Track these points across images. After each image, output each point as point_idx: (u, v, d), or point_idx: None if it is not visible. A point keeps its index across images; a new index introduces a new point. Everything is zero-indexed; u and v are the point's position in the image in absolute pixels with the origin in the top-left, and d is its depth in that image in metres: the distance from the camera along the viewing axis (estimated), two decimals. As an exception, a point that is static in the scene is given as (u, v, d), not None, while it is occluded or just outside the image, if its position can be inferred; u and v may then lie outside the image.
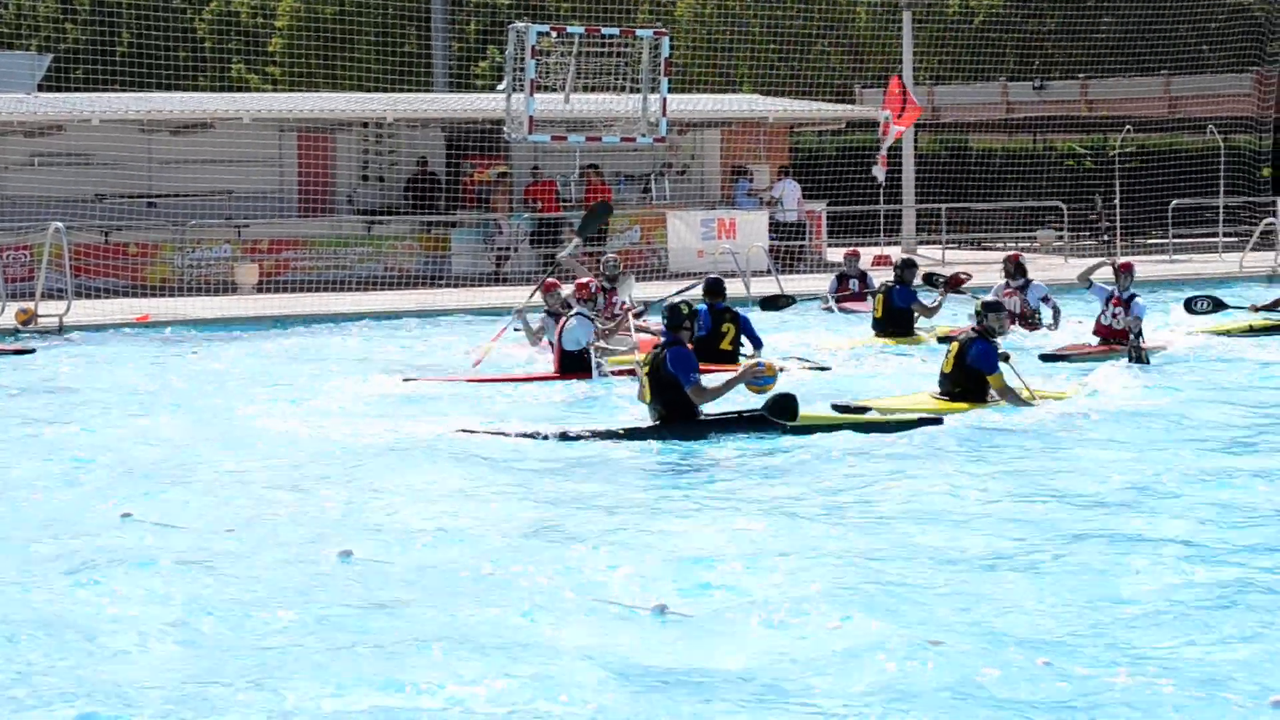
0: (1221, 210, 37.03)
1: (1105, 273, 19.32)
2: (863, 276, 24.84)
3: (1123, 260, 19.95)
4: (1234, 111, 40.49)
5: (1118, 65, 43.37)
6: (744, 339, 18.47)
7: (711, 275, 19.10)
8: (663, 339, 13.86)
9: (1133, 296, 18.68)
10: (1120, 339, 18.18)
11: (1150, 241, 37.61)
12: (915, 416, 13.86)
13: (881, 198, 34.86)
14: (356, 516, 10.60)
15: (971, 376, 14.28)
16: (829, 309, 24.37)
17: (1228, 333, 20.57)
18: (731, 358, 18.05)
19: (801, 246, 32.96)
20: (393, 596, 8.68)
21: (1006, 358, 14.41)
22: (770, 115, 35.19)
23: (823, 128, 41.01)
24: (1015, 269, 21.10)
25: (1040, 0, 46.35)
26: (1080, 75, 44.02)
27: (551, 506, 10.90)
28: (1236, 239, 36.40)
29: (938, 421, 13.74)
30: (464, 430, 13.52)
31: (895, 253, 32.15)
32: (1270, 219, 34.62)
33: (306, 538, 9.97)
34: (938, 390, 14.67)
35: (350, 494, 11.30)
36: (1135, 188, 37.06)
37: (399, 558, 9.55)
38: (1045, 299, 20.87)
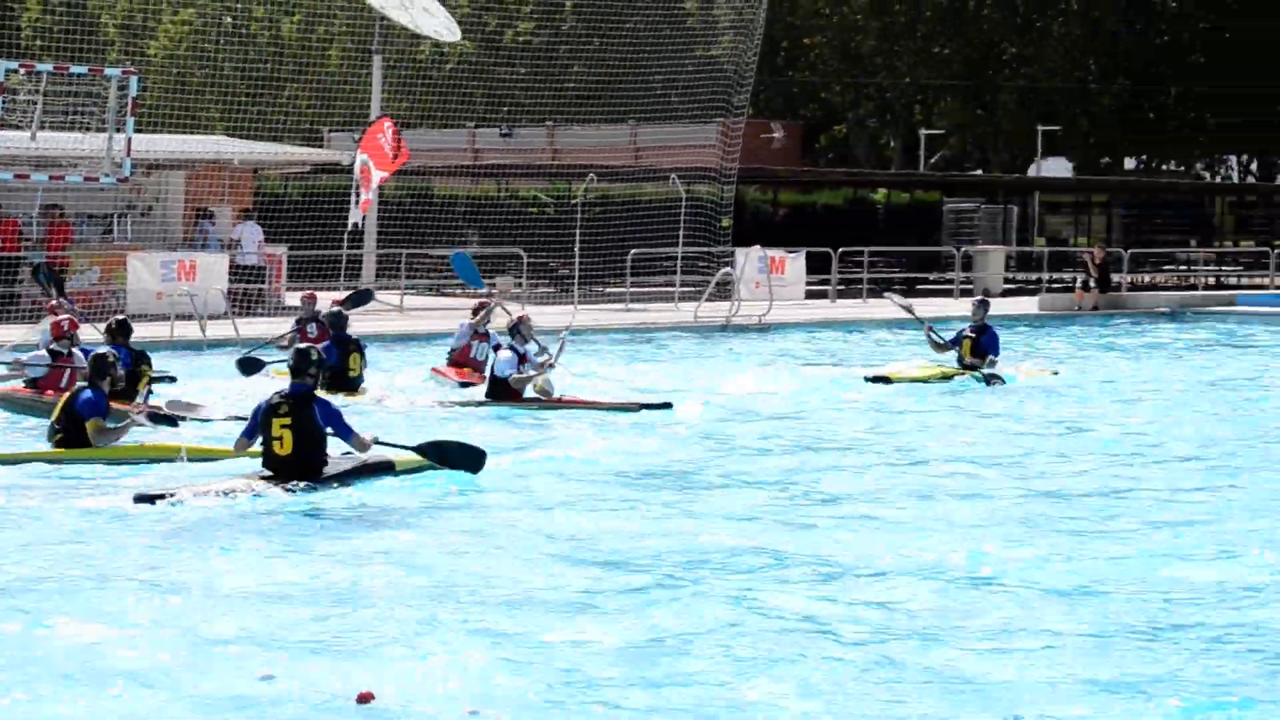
0: (680, 260, 40.84)
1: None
2: (317, 319, 25.69)
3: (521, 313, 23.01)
4: (698, 162, 44.43)
5: (586, 114, 47.75)
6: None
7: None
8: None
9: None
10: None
11: (609, 290, 41.51)
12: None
13: (345, 242, 37.42)
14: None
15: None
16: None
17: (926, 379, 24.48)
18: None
19: (261, 290, 35.67)
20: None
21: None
22: (235, 157, 38.58)
23: (288, 170, 43.80)
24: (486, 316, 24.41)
25: (511, 47, 50.60)
26: (548, 123, 48.63)
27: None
28: (694, 289, 40.15)
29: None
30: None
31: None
32: (727, 269, 38.60)
33: None
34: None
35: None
36: (597, 236, 40.76)
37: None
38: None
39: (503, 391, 21.13)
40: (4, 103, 29.57)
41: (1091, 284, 42.18)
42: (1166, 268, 61.54)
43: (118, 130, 30.61)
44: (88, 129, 30.83)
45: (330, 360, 21.76)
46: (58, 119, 30.74)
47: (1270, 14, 68.57)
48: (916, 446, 18.42)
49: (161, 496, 13.87)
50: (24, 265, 32.38)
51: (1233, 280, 59.42)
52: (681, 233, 41.01)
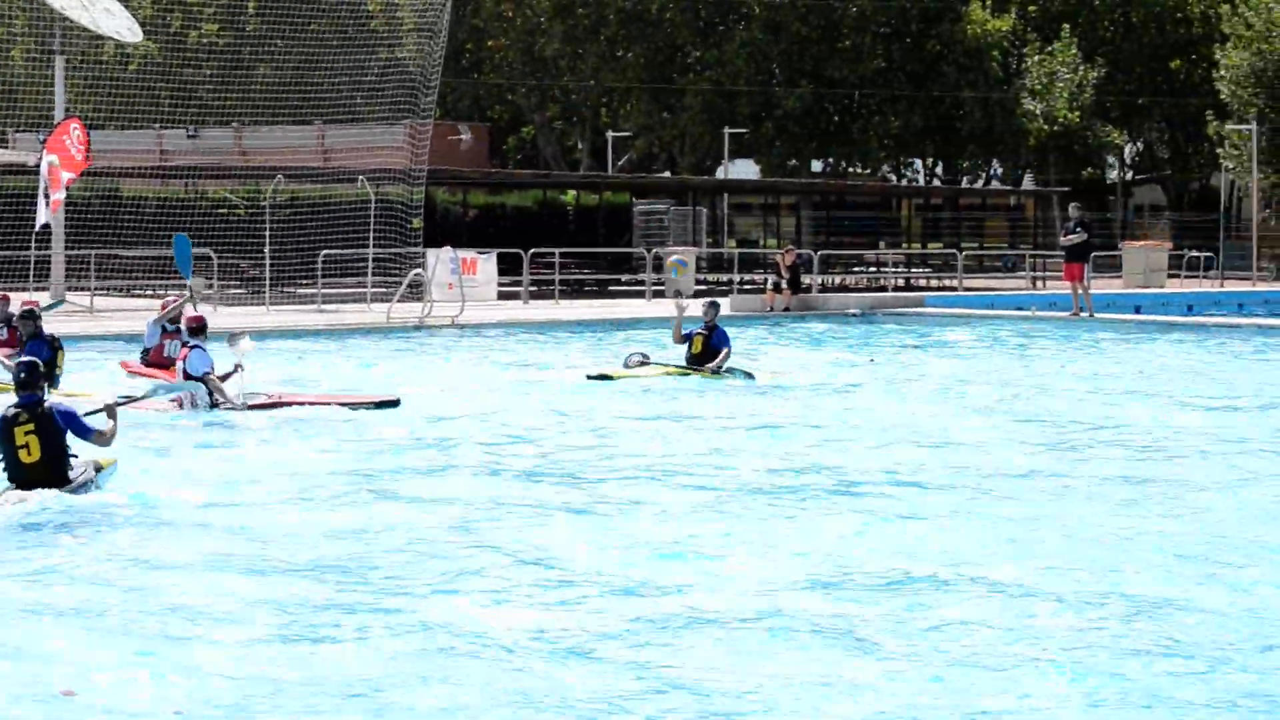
0: (371, 261, 41.75)
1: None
2: (8, 320, 26.20)
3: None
4: (387, 163, 45.53)
5: (273, 114, 48.67)
6: None
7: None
8: None
9: None
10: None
11: (301, 291, 42.48)
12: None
13: (33, 243, 38.03)
14: None
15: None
16: None
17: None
18: None
19: None
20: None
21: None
22: (-84, 157, 39.04)
23: None
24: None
25: (196, 48, 51.34)
26: (234, 124, 49.50)
27: None
28: (385, 290, 40.88)
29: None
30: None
31: (45, 298, 36.20)
32: (418, 270, 39.43)
33: None
34: None
35: None
36: (287, 237, 41.65)
37: None
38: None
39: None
40: None
41: (783, 285, 43.42)
42: (856, 269, 64.35)
43: None
44: None
45: (44, 356, 22.91)
46: None
47: (949, 19, 71.97)
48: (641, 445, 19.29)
49: None
50: None
51: (922, 282, 62.24)
52: (372, 234, 41.87)
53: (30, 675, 9.94)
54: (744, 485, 16.52)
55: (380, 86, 48.21)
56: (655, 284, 48.03)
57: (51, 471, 14.66)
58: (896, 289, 56.60)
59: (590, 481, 16.81)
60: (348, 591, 11.92)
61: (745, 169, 79.56)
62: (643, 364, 26.10)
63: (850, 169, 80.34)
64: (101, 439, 15.11)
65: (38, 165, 37.90)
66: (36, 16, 44.97)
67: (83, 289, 40.20)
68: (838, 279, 59.84)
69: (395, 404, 21.83)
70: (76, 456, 14.96)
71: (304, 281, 42.16)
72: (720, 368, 25.98)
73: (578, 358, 30.20)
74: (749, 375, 26.16)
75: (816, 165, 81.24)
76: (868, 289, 56.38)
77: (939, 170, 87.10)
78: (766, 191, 70.39)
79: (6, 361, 23.87)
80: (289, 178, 44.97)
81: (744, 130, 69.81)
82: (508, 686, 9.74)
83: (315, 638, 10.76)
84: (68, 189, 37.46)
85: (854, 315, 42.02)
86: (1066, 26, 73.61)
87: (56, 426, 14.66)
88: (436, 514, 14.86)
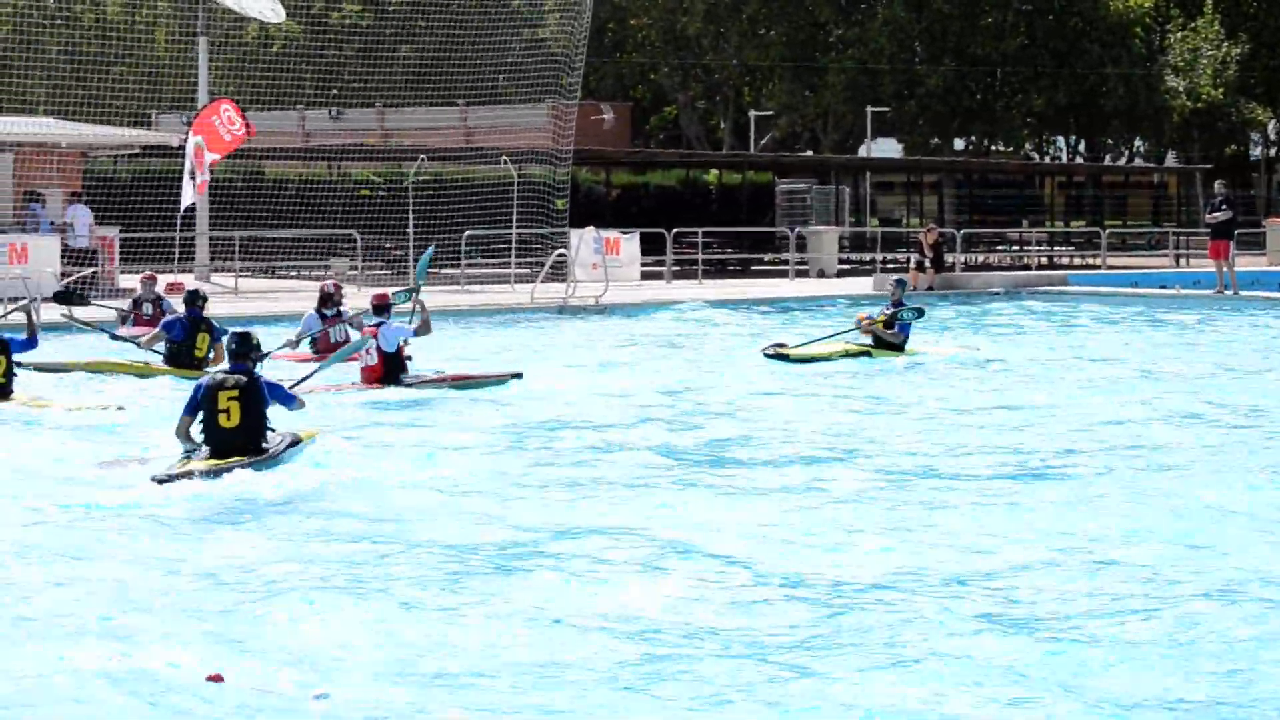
0: (514, 242, 41.54)
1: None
2: (157, 301, 27.00)
3: None
4: (530, 143, 45.33)
5: (416, 96, 48.29)
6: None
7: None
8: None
9: None
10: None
11: (444, 272, 41.78)
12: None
13: (178, 224, 37.87)
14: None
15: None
16: (120, 337, 25.45)
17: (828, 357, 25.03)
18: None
19: (94, 273, 35.69)
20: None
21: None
22: (63, 139, 38.85)
23: (118, 153, 44.05)
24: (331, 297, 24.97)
25: (339, 29, 51.02)
26: (377, 104, 49.12)
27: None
28: (529, 270, 40.87)
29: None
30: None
31: (189, 279, 36.12)
32: (561, 251, 39.23)
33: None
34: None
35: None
36: (430, 218, 41.42)
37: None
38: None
39: (396, 365, 21.56)
40: None
41: (926, 264, 42.81)
42: (999, 248, 63.20)
43: (-59, 112, 30.59)
44: (-89, 110, 30.84)
45: (177, 336, 22.44)
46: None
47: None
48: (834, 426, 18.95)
49: (177, 478, 14.64)
50: None
51: (1065, 260, 61.04)
52: (515, 214, 41.56)
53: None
54: (926, 469, 16.00)
55: (522, 66, 47.85)
56: (798, 263, 47.13)
57: (248, 439, 15.13)
58: (1039, 267, 55.45)
59: (760, 463, 16.37)
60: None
61: (888, 147, 78.57)
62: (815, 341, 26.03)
63: (993, 147, 79.16)
64: (301, 404, 15.82)
65: (182, 146, 37.56)
66: (180, -2, 44.90)
67: (226, 270, 39.86)
68: (980, 257, 58.76)
69: (518, 376, 22.04)
70: (274, 430, 15.46)
71: (448, 262, 41.57)
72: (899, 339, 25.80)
73: (740, 335, 30.01)
74: (919, 312, 25.86)
75: (959, 143, 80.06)
76: (1011, 267, 55.21)
77: (1081, 148, 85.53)
78: (909, 170, 69.19)
79: (144, 341, 23.52)
80: (431, 158, 44.63)
81: (886, 109, 69.01)
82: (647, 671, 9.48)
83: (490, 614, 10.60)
84: (213, 170, 37.25)
85: (997, 293, 41.16)
86: (1209, 2, 72.03)
87: (260, 396, 15.20)
88: (627, 500, 14.52)
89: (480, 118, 49.07)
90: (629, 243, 43.52)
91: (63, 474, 15.31)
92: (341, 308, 25.12)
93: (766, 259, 53.69)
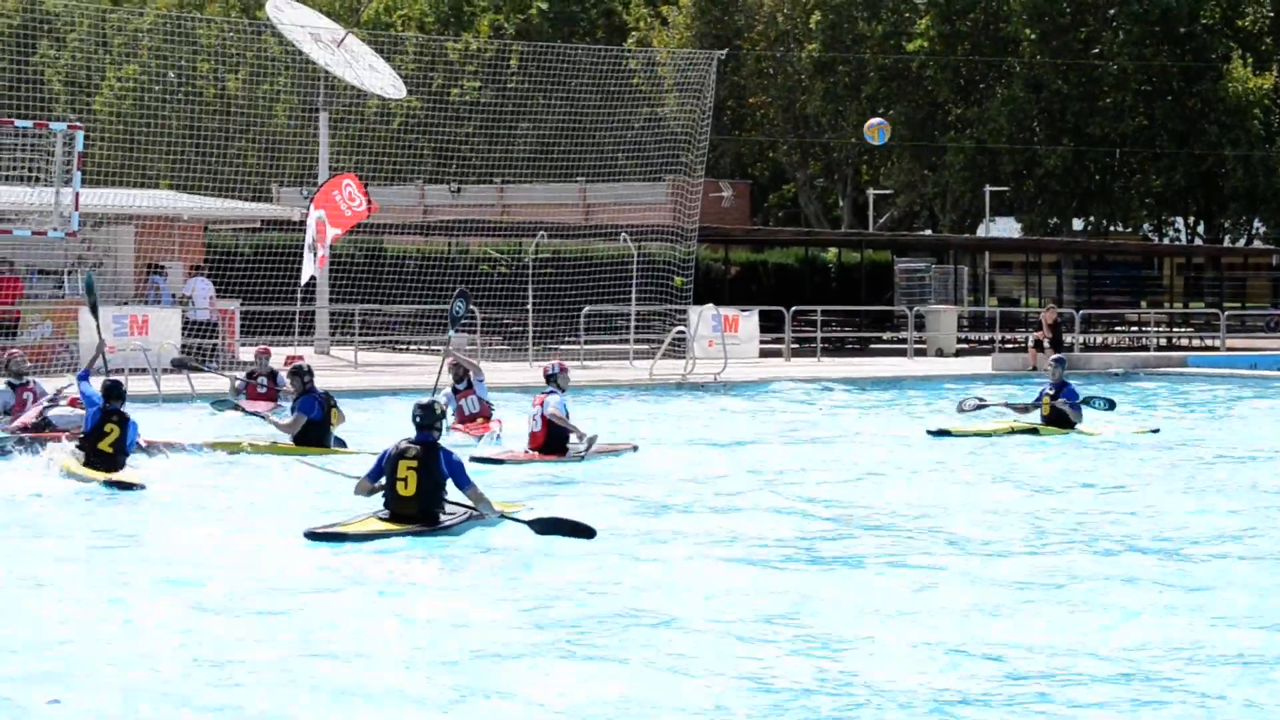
0: (634, 317, 41.21)
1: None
2: (272, 375, 26.75)
3: None
4: (649, 220, 45.06)
5: (534, 171, 47.90)
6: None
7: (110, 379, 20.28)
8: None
9: None
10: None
11: (563, 347, 41.35)
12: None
13: (298, 298, 37.69)
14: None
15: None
16: (236, 408, 25.42)
17: (991, 433, 25.21)
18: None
19: (214, 345, 35.79)
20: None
21: None
22: (185, 212, 38.61)
23: (238, 226, 44.01)
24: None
25: (458, 104, 50.77)
26: (497, 180, 48.79)
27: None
28: (648, 346, 40.46)
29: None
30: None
31: (309, 353, 35.83)
32: (680, 328, 38.72)
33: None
34: None
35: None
36: (549, 293, 41.08)
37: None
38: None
39: (560, 436, 21.40)
40: (-51, 157, 29.42)
41: (1045, 344, 42.04)
42: (1118, 328, 62.00)
43: (64, 184, 30.35)
44: (36, 183, 30.69)
45: (315, 415, 21.69)
46: (5, 173, 30.65)
47: (1204, 78, 69.39)
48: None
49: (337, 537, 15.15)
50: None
51: (1183, 341, 59.77)
52: (634, 290, 41.23)
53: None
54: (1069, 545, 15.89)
55: (642, 143, 47.42)
56: (917, 342, 46.25)
57: (422, 508, 15.46)
58: (1158, 348, 54.19)
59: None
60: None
61: (1006, 227, 77.49)
62: (980, 406, 26.72)
63: (1111, 227, 77.93)
64: (476, 495, 15.61)
65: (303, 220, 37.19)
66: (301, 74, 44.84)
67: (346, 343, 39.49)
68: (1099, 338, 57.55)
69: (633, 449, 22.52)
70: (456, 505, 15.65)
71: (566, 338, 41.05)
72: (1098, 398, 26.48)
73: (886, 416, 29.99)
74: (1109, 403, 26.46)
75: (1077, 223, 78.85)
76: (1129, 348, 53.97)
77: (1200, 229, 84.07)
78: (1028, 249, 68.09)
79: (270, 417, 23.00)
80: (551, 234, 44.33)
81: (1005, 188, 68.03)
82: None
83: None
84: (333, 245, 36.88)
85: (1117, 374, 40.58)
86: (1330, 84, 70.59)
87: (438, 468, 15.42)
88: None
89: (599, 194, 48.62)
90: (747, 320, 42.77)
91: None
92: (475, 377, 24.46)
93: (885, 337, 52.74)
